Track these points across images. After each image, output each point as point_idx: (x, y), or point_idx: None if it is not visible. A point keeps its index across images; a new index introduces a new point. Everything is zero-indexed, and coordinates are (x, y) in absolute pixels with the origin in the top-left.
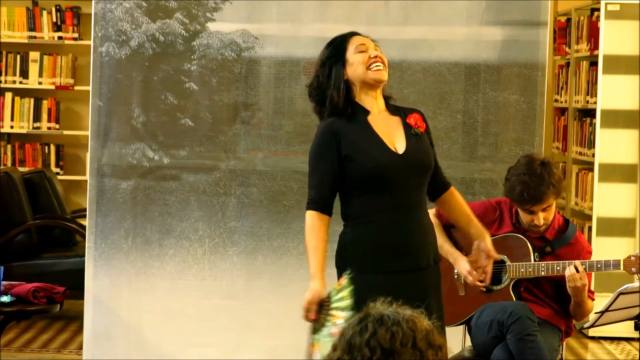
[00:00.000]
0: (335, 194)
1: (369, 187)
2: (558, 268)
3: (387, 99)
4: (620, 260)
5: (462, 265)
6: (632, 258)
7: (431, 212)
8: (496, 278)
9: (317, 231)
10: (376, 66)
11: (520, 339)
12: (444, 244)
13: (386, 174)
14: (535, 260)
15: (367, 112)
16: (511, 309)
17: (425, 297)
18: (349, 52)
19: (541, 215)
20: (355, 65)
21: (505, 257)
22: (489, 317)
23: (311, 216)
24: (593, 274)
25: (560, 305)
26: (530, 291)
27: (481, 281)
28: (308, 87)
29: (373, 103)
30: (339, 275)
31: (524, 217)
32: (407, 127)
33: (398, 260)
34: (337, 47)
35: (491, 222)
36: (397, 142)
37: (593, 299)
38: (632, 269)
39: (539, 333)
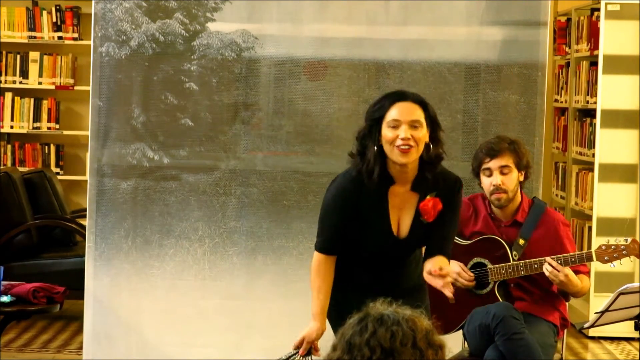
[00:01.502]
0: (342, 242)
1: (359, 250)
2: (536, 266)
3: (429, 163)
4: (592, 251)
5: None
6: (603, 247)
7: None
8: (482, 282)
9: (322, 273)
10: (402, 149)
11: (508, 339)
12: None
13: (379, 254)
14: (514, 259)
15: (391, 183)
16: (494, 311)
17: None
18: (384, 123)
19: (497, 176)
20: (384, 140)
21: (486, 261)
22: (476, 323)
23: (318, 258)
24: (593, 263)
25: (552, 296)
26: (521, 287)
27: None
28: (358, 131)
29: (401, 176)
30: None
31: (484, 183)
32: (418, 213)
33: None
34: (378, 111)
35: (467, 219)
36: (403, 224)
37: (588, 271)
38: (605, 257)
39: (525, 330)
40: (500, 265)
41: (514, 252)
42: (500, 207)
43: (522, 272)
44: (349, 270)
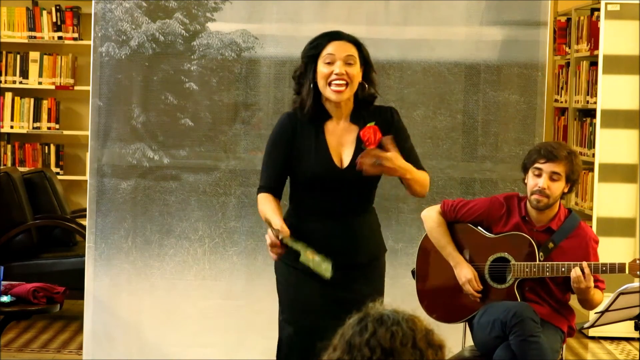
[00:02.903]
0: (285, 182)
1: (305, 189)
2: (563, 269)
3: (364, 101)
4: (625, 263)
5: (462, 272)
6: (638, 261)
7: (435, 208)
8: (501, 277)
9: (268, 200)
10: (336, 84)
11: (523, 340)
12: (446, 246)
13: (322, 185)
14: (540, 260)
15: (328, 117)
16: (514, 310)
17: (353, 291)
18: (320, 60)
19: (546, 180)
20: (319, 76)
21: (510, 256)
22: (491, 317)
23: (262, 195)
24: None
25: (564, 306)
26: (535, 291)
27: (478, 292)
28: (294, 71)
29: (336, 110)
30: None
31: (531, 181)
32: (359, 141)
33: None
34: (313, 49)
35: (498, 218)
36: (345, 154)
37: (604, 288)
38: (638, 272)
39: (541, 334)
40: (525, 262)
41: (541, 253)
42: (536, 209)
43: (548, 274)
44: (302, 225)
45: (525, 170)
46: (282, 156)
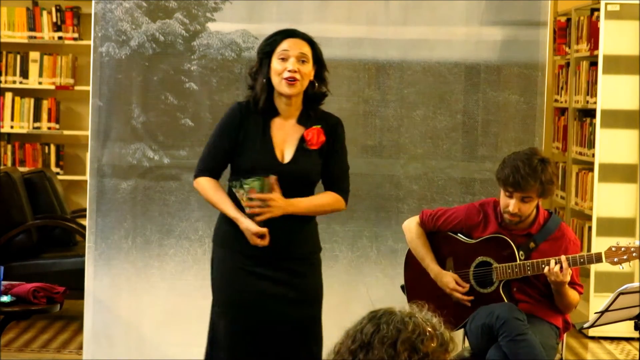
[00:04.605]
0: (224, 168)
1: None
2: (543, 266)
3: (314, 100)
4: (601, 253)
5: (444, 280)
6: (613, 249)
7: (414, 219)
8: (486, 281)
9: (216, 188)
10: (288, 81)
11: (511, 340)
12: (424, 258)
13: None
14: (520, 260)
15: (276, 114)
16: (498, 312)
17: (292, 286)
18: (274, 56)
19: (517, 204)
20: (273, 72)
21: (491, 260)
22: (479, 322)
23: (205, 180)
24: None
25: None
26: (523, 291)
27: (467, 293)
28: (250, 67)
29: (285, 108)
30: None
31: (502, 200)
32: (302, 140)
33: (255, 249)
34: (269, 45)
35: (476, 225)
36: (287, 151)
37: (581, 292)
38: (614, 259)
39: (529, 331)
40: (507, 264)
41: (521, 252)
42: (510, 226)
43: (529, 272)
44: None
45: (498, 184)
46: (227, 143)
